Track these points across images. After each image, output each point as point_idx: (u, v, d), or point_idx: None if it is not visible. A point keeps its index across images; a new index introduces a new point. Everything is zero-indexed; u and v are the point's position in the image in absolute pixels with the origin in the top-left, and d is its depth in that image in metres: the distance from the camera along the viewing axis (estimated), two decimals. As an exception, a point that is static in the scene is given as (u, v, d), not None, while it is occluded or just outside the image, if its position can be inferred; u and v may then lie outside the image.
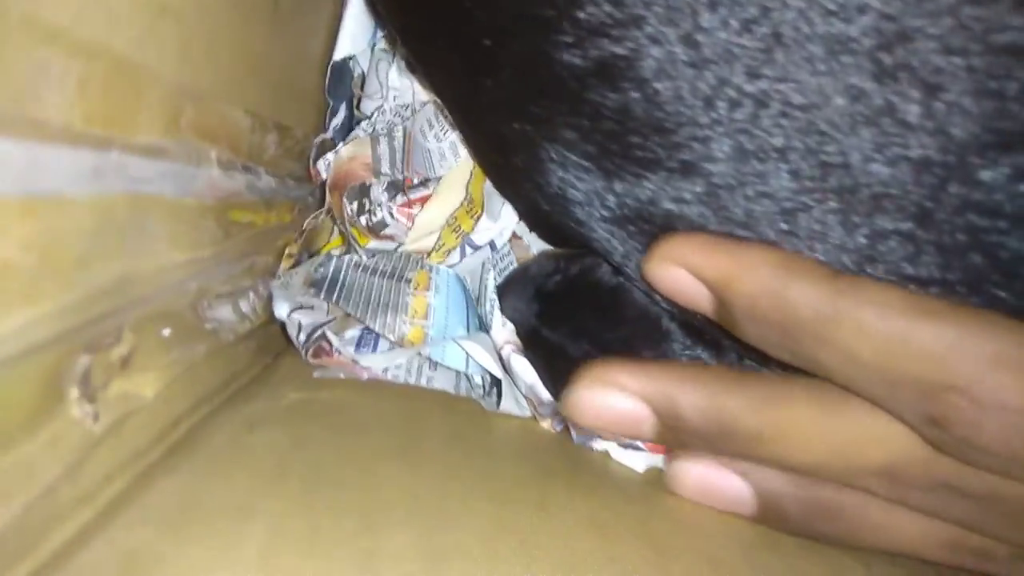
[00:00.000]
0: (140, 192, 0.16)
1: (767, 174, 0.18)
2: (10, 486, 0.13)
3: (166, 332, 0.19)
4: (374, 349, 0.28)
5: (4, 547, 0.12)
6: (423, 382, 0.29)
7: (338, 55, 0.30)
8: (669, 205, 0.20)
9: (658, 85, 0.19)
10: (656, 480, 0.24)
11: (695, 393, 0.19)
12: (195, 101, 0.18)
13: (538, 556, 0.17)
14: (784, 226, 0.18)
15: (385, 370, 0.29)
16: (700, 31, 0.17)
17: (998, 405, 0.15)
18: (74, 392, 0.15)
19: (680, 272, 0.19)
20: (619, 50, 0.18)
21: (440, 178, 0.29)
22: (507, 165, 0.24)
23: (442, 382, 0.29)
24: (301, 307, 0.28)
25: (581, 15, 0.18)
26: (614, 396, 0.20)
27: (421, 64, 0.24)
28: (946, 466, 0.17)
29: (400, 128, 0.29)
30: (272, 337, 0.31)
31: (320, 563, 0.15)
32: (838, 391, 0.17)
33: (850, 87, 0.16)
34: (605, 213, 0.21)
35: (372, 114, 0.30)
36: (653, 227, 0.20)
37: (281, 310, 0.25)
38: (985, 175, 0.16)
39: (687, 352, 0.25)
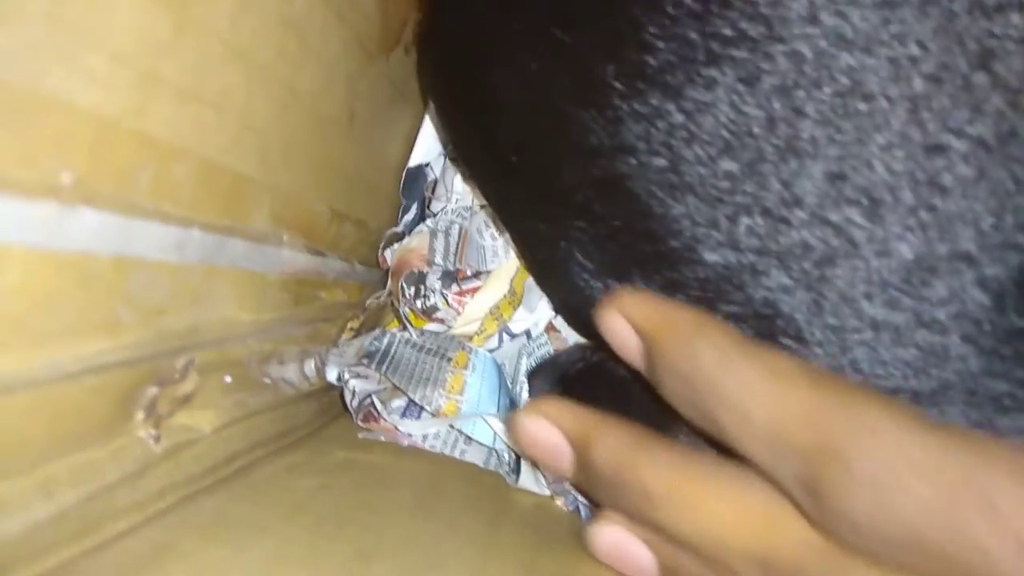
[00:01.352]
0: (214, 263, 0.20)
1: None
2: (76, 479, 0.16)
3: (228, 379, 0.23)
4: (417, 419, 0.31)
5: (62, 527, 0.16)
6: (456, 454, 0.32)
7: (412, 162, 0.34)
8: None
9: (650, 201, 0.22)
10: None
11: (609, 439, 0.21)
12: (271, 194, 0.23)
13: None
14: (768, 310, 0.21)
15: (424, 438, 0.32)
16: (683, 163, 0.20)
17: (869, 475, 0.15)
18: (140, 415, 0.19)
19: (621, 321, 0.21)
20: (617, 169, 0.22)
21: (490, 272, 0.33)
22: (535, 260, 0.27)
23: (474, 456, 0.32)
24: (357, 375, 0.32)
25: (583, 141, 0.22)
26: (545, 427, 0.22)
27: (469, 170, 0.28)
28: (815, 567, 0.17)
29: (457, 226, 0.33)
30: (333, 401, 0.35)
31: (312, 570, 0.18)
32: (740, 473, 0.18)
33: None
34: None
35: (437, 214, 0.34)
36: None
37: (331, 375, 0.29)
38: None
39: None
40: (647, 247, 0.23)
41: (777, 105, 0.19)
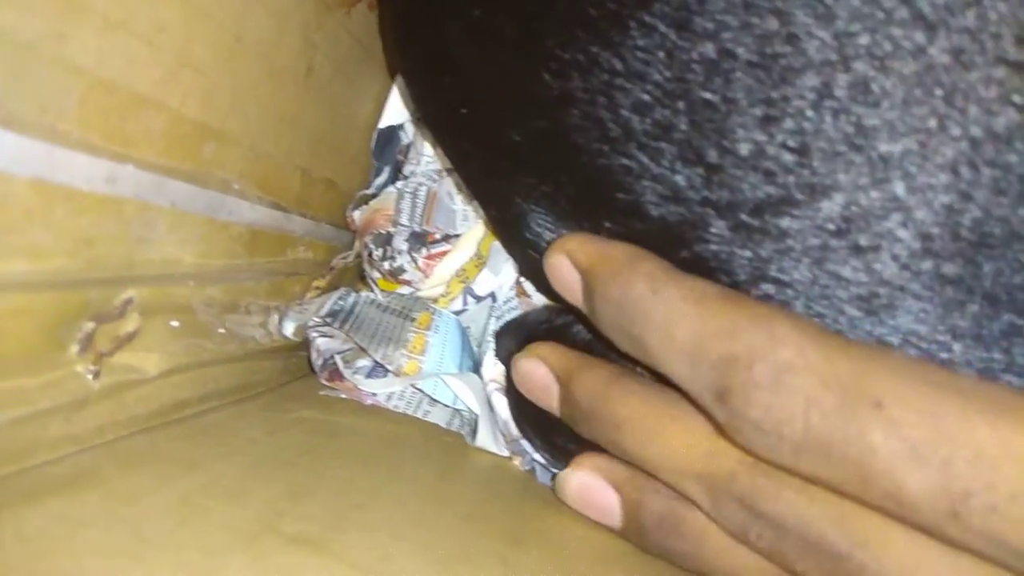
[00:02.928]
0: (152, 200, 0.20)
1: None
2: (3, 401, 0.17)
3: (175, 323, 0.24)
4: (381, 379, 0.31)
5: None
6: (420, 414, 0.32)
7: (383, 123, 0.34)
8: None
9: (594, 153, 0.22)
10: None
11: (587, 374, 0.22)
12: (219, 140, 0.23)
13: (435, 545, 0.20)
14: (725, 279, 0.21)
15: (389, 398, 0.32)
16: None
17: (768, 377, 0.16)
18: (75, 348, 0.19)
19: (563, 260, 0.21)
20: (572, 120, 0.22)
21: (459, 236, 0.33)
22: (494, 219, 0.27)
23: (437, 417, 0.32)
24: (323, 334, 0.33)
25: (527, 92, 0.21)
26: (538, 365, 0.24)
27: (429, 128, 0.28)
28: (746, 477, 0.18)
29: (425, 188, 0.33)
30: (301, 361, 0.35)
31: (234, 508, 0.18)
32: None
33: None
34: None
35: (408, 176, 0.34)
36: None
37: (288, 329, 0.29)
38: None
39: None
40: (594, 201, 0.23)
41: (708, 49, 0.18)
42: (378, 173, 0.35)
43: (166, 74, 0.19)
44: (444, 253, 0.33)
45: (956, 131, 0.17)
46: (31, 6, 0.15)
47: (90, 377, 0.20)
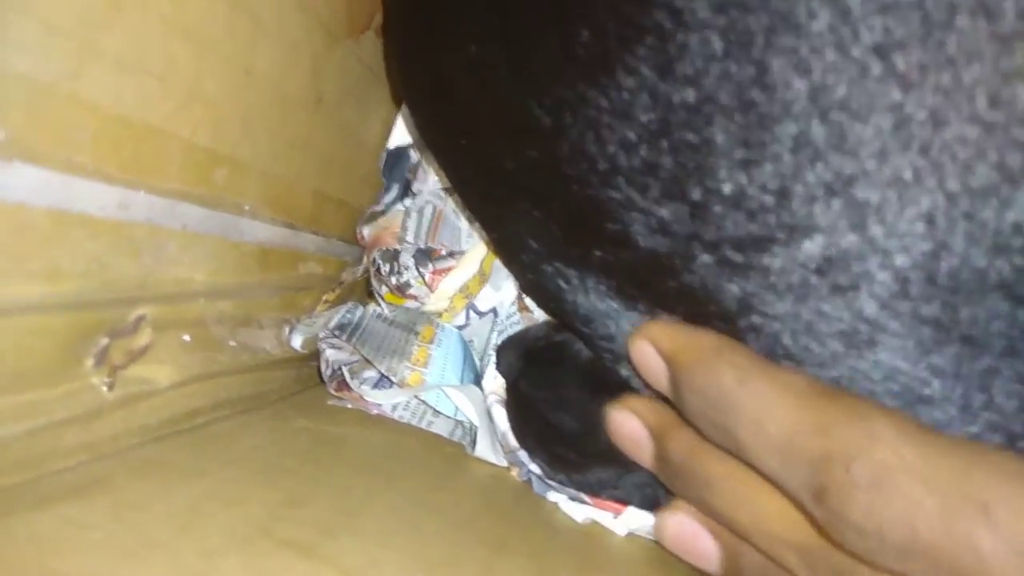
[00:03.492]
0: (163, 224, 0.22)
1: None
2: (21, 413, 0.18)
3: (186, 337, 0.25)
4: (386, 390, 0.33)
5: (4, 456, 0.18)
6: (424, 425, 0.34)
7: (392, 143, 0.36)
8: None
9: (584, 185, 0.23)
10: (591, 530, 0.27)
11: (683, 433, 0.22)
12: (229, 166, 0.24)
13: (422, 552, 0.21)
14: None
15: (394, 409, 0.33)
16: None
17: (868, 479, 0.16)
18: (90, 362, 0.21)
19: (648, 347, 0.22)
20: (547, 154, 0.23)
21: (464, 253, 0.34)
22: (494, 240, 0.29)
23: (440, 427, 0.34)
24: (332, 346, 0.34)
25: (520, 124, 0.23)
26: (631, 419, 0.24)
27: (432, 153, 0.29)
28: (843, 557, 0.17)
29: (431, 207, 0.34)
30: (312, 372, 0.36)
31: (233, 513, 0.19)
32: None
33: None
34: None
35: (416, 195, 0.35)
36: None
37: (296, 342, 0.31)
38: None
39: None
40: (585, 229, 0.24)
41: (689, 94, 0.19)
42: (387, 191, 0.36)
43: (177, 107, 0.21)
44: (449, 269, 0.34)
45: (932, 183, 0.17)
46: (49, 49, 0.16)
47: (104, 389, 0.22)
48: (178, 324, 0.24)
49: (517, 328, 0.34)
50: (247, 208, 0.26)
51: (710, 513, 0.21)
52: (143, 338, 0.23)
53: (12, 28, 0.15)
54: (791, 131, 0.19)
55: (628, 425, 0.24)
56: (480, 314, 0.33)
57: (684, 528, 0.22)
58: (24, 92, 0.16)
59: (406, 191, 0.37)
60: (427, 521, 0.23)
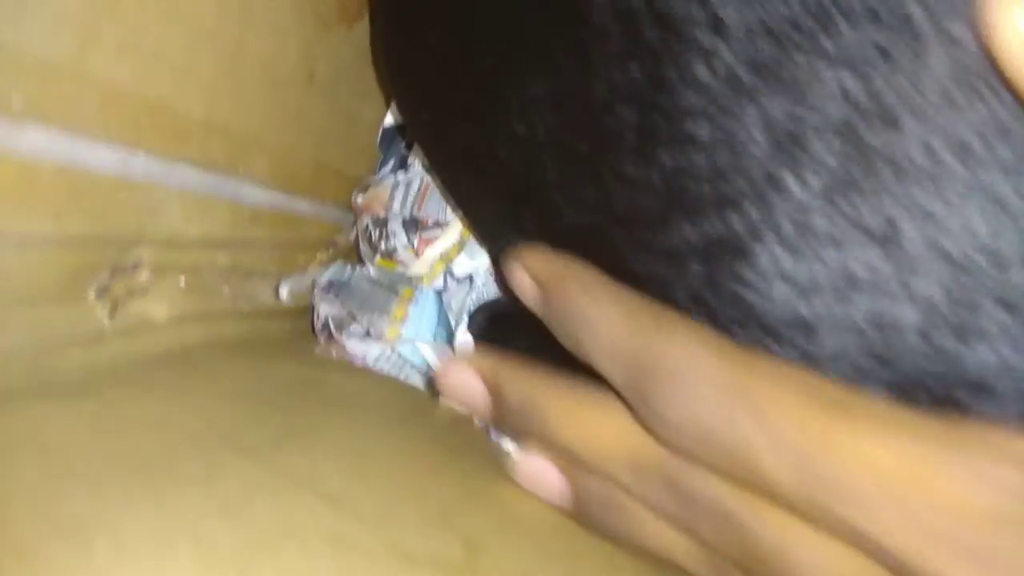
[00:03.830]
0: (161, 183, 0.26)
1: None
2: (29, 324, 0.22)
3: (182, 281, 0.29)
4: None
5: (11, 362, 0.22)
6: (402, 377, 0.37)
7: (387, 122, 0.39)
8: None
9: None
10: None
11: (516, 378, 0.25)
12: (223, 135, 0.28)
13: (363, 465, 0.24)
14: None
15: (376, 361, 0.37)
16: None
17: (672, 379, 0.18)
18: (92, 293, 0.25)
19: (521, 272, 0.25)
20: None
21: (449, 224, 0.38)
22: (464, 214, 0.32)
23: (417, 380, 0.37)
24: (324, 300, 0.38)
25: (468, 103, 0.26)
26: (464, 370, 0.26)
27: (409, 130, 0.33)
28: (668, 460, 0.20)
29: (419, 179, 0.38)
30: (306, 325, 0.40)
31: (202, 426, 0.23)
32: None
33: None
34: None
35: (409, 168, 0.39)
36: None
37: (283, 293, 0.35)
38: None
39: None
40: (529, 202, 0.27)
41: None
42: (383, 164, 0.40)
43: (172, 83, 0.24)
44: (435, 239, 0.38)
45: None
46: (59, 34, 0.20)
47: (105, 318, 0.26)
48: (174, 268, 0.28)
49: (491, 294, 0.38)
50: (241, 172, 0.30)
51: (551, 447, 0.24)
52: (142, 277, 0.27)
53: (27, 16, 0.19)
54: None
55: (463, 382, 0.26)
56: (457, 280, 0.37)
57: (534, 465, 0.25)
58: (37, 69, 0.20)
59: (402, 165, 0.41)
60: (378, 447, 0.27)
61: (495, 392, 0.26)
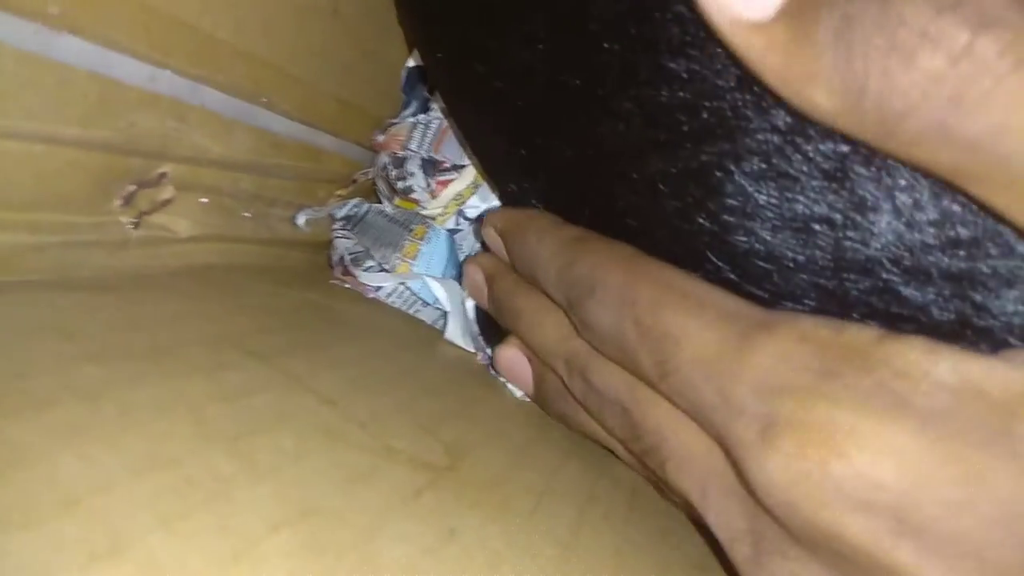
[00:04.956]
0: (186, 100, 0.27)
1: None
2: (59, 229, 0.24)
3: (204, 200, 0.31)
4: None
5: (41, 258, 0.24)
6: (412, 312, 0.39)
7: (411, 63, 0.41)
8: None
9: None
10: (526, 405, 0.32)
11: (503, 279, 0.29)
12: (248, 61, 0.29)
13: (358, 376, 0.26)
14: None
15: (388, 295, 0.39)
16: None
17: (593, 295, 0.22)
18: (118, 202, 0.26)
19: (490, 230, 0.29)
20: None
21: (464, 166, 0.39)
22: (475, 154, 0.33)
23: (425, 316, 0.39)
24: (341, 236, 0.39)
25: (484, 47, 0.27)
26: (475, 269, 0.31)
27: (428, 72, 0.34)
28: (583, 357, 0.24)
29: (437, 122, 0.39)
30: (325, 259, 0.42)
31: (213, 330, 0.25)
32: None
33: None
34: None
35: (430, 110, 0.40)
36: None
37: (300, 220, 0.36)
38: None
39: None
40: (528, 137, 0.28)
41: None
42: (406, 106, 0.41)
43: (201, 4, 0.26)
44: (451, 181, 0.39)
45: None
46: (95, -52, 0.22)
47: (130, 227, 0.27)
48: (197, 187, 0.30)
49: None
50: (264, 100, 0.31)
51: (522, 340, 0.29)
52: (166, 192, 0.28)
53: (65, -73, 0.21)
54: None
55: (471, 274, 0.31)
56: (469, 220, 0.38)
57: (510, 356, 0.30)
58: (73, -22, 0.21)
59: (424, 108, 0.42)
60: (378, 364, 0.29)
61: (489, 287, 0.30)
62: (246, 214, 0.33)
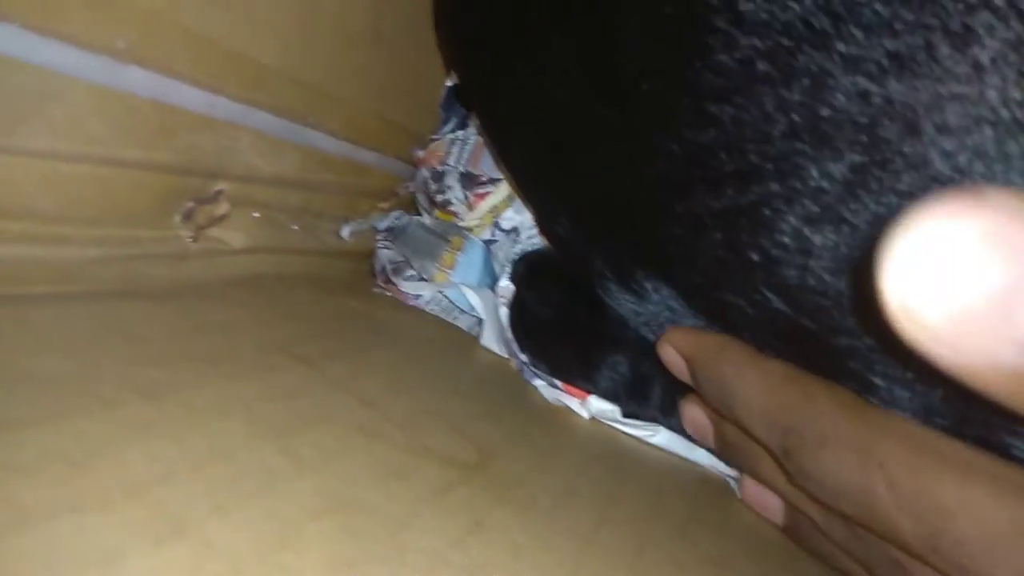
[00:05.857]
0: (240, 123, 0.29)
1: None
2: (124, 243, 0.26)
3: (255, 214, 0.33)
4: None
5: (107, 270, 0.26)
6: (450, 319, 0.41)
7: (450, 81, 0.42)
8: None
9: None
10: (560, 410, 0.34)
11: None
12: (296, 86, 0.31)
13: (396, 379, 0.28)
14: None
15: (428, 303, 0.41)
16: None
17: (813, 443, 0.21)
18: (178, 218, 0.29)
19: (670, 350, 0.28)
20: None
21: (500, 180, 0.41)
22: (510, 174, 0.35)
23: (463, 323, 0.41)
24: (384, 247, 0.41)
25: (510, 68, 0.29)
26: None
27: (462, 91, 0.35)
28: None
29: (474, 138, 0.41)
30: (368, 268, 0.44)
31: (263, 334, 0.27)
32: None
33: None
34: None
35: (468, 126, 0.42)
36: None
37: (344, 232, 0.38)
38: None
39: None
40: (559, 163, 0.29)
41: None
42: (445, 123, 0.43)
43: (252, 35, 0.28)
44: (487, 194, 0.41)
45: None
46: (159, -11, 0.24)
47: (190, 240, 0.30)
48: (249, 202, 0.32)
49: (534, 243, 0.41)
50: (311, 120, 0.33)
51: (765, 483, 0.28)
52: (222, 208, 0.31)
53: (133, -28, 0.23)
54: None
55: (691, 415, 0.31)
56: (504, 232, 0.40)
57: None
58: (139, 17, 0.24)
59: (462, 125, 0.44)
60: (421, 373, 0.30)
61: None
62: (294, 227, 0.35)
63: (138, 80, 0.24)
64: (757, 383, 0.24)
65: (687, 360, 0.27)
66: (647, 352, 0.32)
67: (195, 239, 0.30)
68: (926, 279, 0.10)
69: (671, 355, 0.28)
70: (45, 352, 0.20)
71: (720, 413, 0.27)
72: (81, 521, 0.14)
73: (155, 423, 0.18)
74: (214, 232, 0.31)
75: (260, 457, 0.19)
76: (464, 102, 0.41)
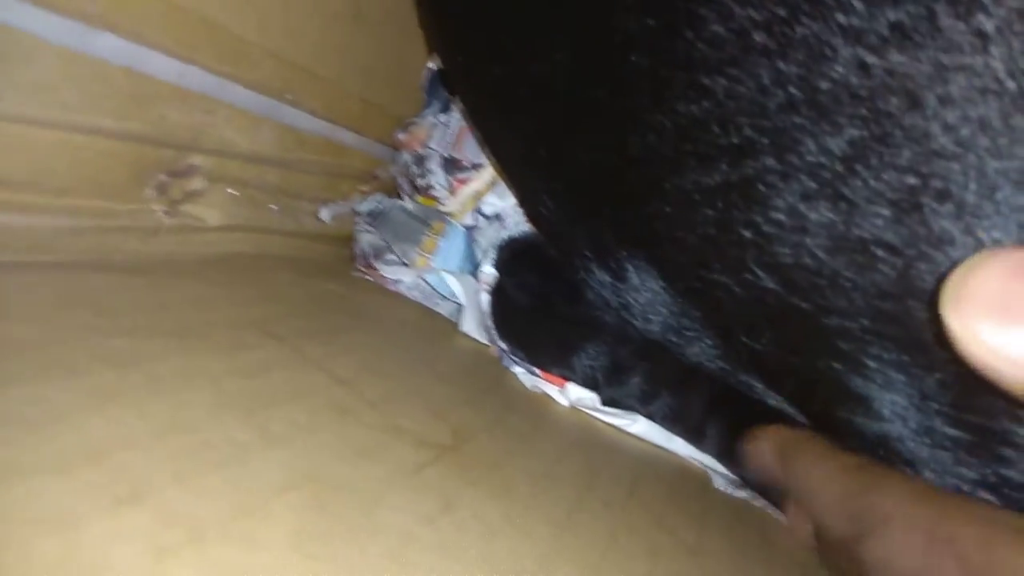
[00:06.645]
0: (214, 96, 0.29)
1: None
2: (95, 213, 0.26)
3: (232, 192, 0.32)
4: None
5: (79, 240, 0.25)
6: (431, 306, 0.40)
7: (432, 64, 0.42)
8: None
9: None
10: (540, 398, 0.33)
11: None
12: (273, 60, 0.31)
13: (372, 359, 0.27)
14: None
15: (409, 289, 0.40)
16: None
17: (884, 526, 0.22)
18: (151, 191, 0.28)
19: (759, 445, 0.28)
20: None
21: (483, 165, 0.40)
22: (496, 157, 0.34)
23: (444, 309, 0.40)
24: (365, 230, 0.41)
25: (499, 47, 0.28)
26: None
27: (443, 74, 0.35)
28: None
29: (457, 122, 0.40)
30: (349, 252, 0.43)
31: (238, 312, 0.26)
32: None
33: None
34: None
35: (451, 111, 0.42)
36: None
37: (324, 215, 0.38)
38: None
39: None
40: (548, 141, 0.29)
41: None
42: (428, 106, 0.42)
43: (228, 6, 0.27)
44: (469, 179, 0.40)
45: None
46: (134, -48, 0.23)
47: (163, 215, 0.29)
48: (225, 179, 0.31)
49: (519, 229, 0.40)
50: (289, 97, 0.33)
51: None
52: (196, 183, 0.30)
53: (107, -68, 0.22)
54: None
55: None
56: (486, 217, 0.39)
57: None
58: (112, -20, 0.23)
59: (445, 108, 0.43)
60: (398, 356, 0.30)
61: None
62: (273, 206, 0.35)
63: (110, 46, 0.24)
64: (831, 471, 0.25)
65: (777, 455, 0.28)
66: (626, 339, 0.32)
67: (169, 213, 0.29)
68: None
69: (763, 451, 0.29)
70: (9, 319, 0.19)
71: (802, 504, 0.27)
72: (37, 483, 0.14)
73: (118, 392, 0.18)
74: (189, 208, 0.30)
75: (225, 430, 0.18)
76: (448, 86, 0.40)
